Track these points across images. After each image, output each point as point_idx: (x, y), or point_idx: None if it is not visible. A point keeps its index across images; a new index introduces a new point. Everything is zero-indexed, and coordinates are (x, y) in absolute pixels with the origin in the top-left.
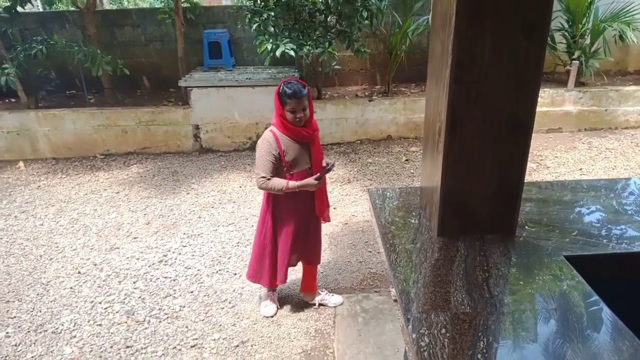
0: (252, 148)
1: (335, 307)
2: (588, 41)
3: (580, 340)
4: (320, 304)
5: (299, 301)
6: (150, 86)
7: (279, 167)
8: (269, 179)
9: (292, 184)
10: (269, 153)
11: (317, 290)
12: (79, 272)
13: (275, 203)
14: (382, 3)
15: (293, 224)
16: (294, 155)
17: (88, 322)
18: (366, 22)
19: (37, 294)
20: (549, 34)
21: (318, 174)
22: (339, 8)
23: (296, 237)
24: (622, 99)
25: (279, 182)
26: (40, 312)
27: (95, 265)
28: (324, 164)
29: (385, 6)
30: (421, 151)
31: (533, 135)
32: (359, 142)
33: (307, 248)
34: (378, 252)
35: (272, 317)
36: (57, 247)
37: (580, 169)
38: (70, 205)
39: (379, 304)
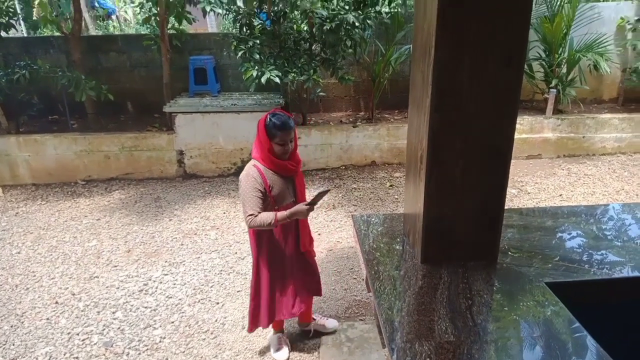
0: (237, 174)
1: (332, 331)
2: (564, 70)
3: None
4: (315, 330)
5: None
6: (134, 112)
7: (265, 203)
8: (256, 216)
9: (281, 214)
10: (255, 189)
11: (312, 317)
12: (57, 302)
13: (260, 243)
14: (366, 32)
15: (282, 260)
16: (279, 189)
17: (64, 354)
18: (350, 50)
19: (11, 326)
20: (526, 63)
21: (312, 199)
22: (323, 37)
23: (289, 273)
24: (599, 126)
25: (267, 216)
26: (13, 345)
27: (74, 294)
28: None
29: (368, 35)
30: (404, 177)
31: (513, 161)
32: (343, 167)
33: (305, 283)
34: (363, 279)
35: None
36: (34, 276)
37: (561, 195)
38: (49, 232)
39: (364, 332)
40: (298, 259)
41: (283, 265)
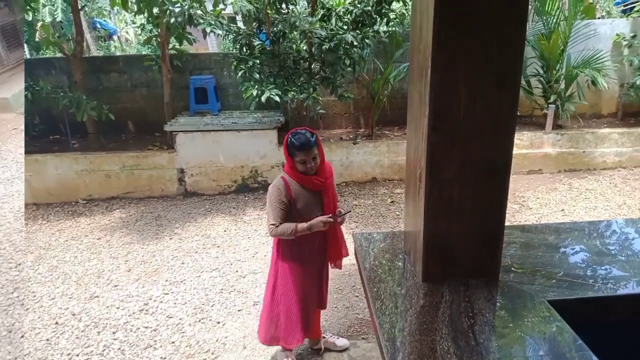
0: (238, 191)
1: (342, 350)
2: (563, 86)
3: None
4: (325, 349)
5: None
6: (135, 131)
7: (289, 214)
8: (277, 226)
9: (301, 226)
10: (279, 200)
11: (322, 334)
12: (57, 323)
13: (286, 254)
14: (364, 51)
15: (309, 272)
16: (304, 202)
17: None
18: (349, 69)
19: None
20: (524, 79)
21: (330, 215)
22: (322, 56)
23: (312, 286)
24: (599, 140)
25: (287, 227)
26: None
27: (74, 315)
28: (340, 211)
29: (367, 54)
30: (404, 194)
31: (514, 176)
32: (344, 184)
33: (320, 293)
34: (364, 297)
35: None
36: (34, 296)
37: (562, 210)
38: (50, 252)
39: (366, 351)
40: (322, 271)
41: (312, 276)
